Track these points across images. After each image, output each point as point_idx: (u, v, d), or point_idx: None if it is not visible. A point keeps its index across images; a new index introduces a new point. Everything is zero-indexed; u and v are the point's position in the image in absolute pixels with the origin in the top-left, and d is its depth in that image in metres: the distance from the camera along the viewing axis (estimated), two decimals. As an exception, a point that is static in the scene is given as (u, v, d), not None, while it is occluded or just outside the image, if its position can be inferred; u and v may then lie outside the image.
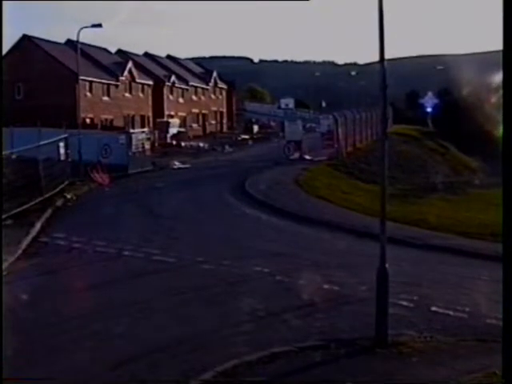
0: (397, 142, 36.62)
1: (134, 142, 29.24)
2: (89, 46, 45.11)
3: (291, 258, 12.55)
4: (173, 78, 56.68)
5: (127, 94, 48.91)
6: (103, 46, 52.56)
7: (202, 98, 63.35)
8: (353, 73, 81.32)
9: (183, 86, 58.97)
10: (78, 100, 32.67)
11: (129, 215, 17.84)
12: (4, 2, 7.93)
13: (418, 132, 48.41)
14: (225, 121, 67.72)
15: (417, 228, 15.75)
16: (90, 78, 42.89)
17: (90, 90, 43.35)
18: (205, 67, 70.90)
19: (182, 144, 44.62)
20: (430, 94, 51.27)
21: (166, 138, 45.86)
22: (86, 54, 42.33)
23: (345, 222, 16.36)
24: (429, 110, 50.02)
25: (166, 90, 55.17)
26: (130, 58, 51.67)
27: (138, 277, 11.28)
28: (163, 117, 52.41)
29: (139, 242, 13.90)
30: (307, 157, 31.63)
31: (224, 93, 68.73)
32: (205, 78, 65.20)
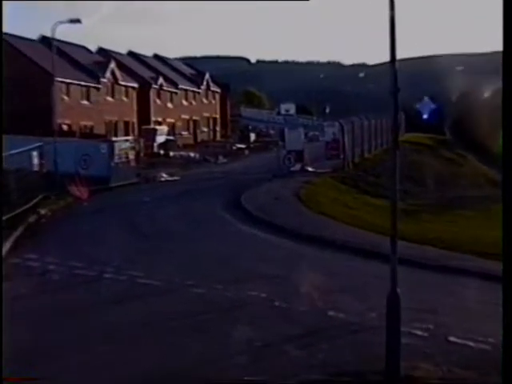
0: (409, 152, 36.74)
1: (116, 152, 29.30)
2: (66, 43, 45.34)
3: (291, 282, 12.53)
4: (160, 80, 56.95)
5: (109, 98, 49.08)
6: (82, 43, 52.92)
7: (193, 102, 63.63)
8: (361, 74, 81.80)
9: (172, 90, 59.23)
10: (54, 104, 32.71)
11: (111, 233, 17.83)
12: (4, 2, 8.14)
13: (432, 140, 48.60)
14: (218, 128, 67.96)
15: (431, 248, 15.75)
16: (67, 80, 43.02)
17: (68, 93, 43.46)
18: (196, 68, 71.26)
19: (171, 154, 44.72)
20: (426, 98, 51.23)
21: (152, 147, 45.99)
22: (62, 53, 42.49)
23: (351, 240, 16.37)
24: (425, 116, 49.12)
25: (152, 94, 55.40)
26: (113, 58, 51.95)
27: (120, 303, 11.24)
28: (149, 123, 52.58)
29: (122, 263, 13.88)
30: (310, 168, 31.75)
31: (217, 97, 69.06)
32: (196, 80, 65.54)
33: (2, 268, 11.59)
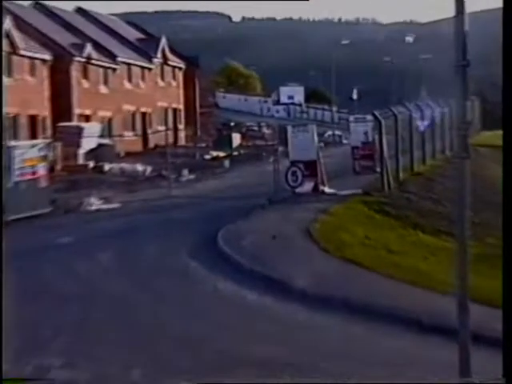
0: (488, 162, 36.82)
1: (16, 164, 29.22)
2: None
3: (302, 372, 12.50)
4: (88, 48, 57.15)
5: (4, 78, 49.12)
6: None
7: (142, 84, 63.88)
8: (408, 38, 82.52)
9: (107, 64, 59.45)
10: None
11: (5, 297, 17.71)
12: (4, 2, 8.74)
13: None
14: (182, 126, 68.16)
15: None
16: None
17: None
18: (146, 31, 71.61)
19: (106, 167, 44.72)
20: (423, 93, 50.03)
21: (76, 156, 45.93)
22: None
23: (396, 305, 16.34)
24: (421, 128, 44.46)
25: (75, 71, 55.52)
26: (9, 12, 51.96)
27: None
28: (71, 119, 52.61)
29: (26, 345, 13.79)
30: (327, 189, 31.71)
31: (180, 76, 69.46)
32: (146, 49, 65.85)
33: (2, 267, 13.83)
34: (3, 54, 48.41)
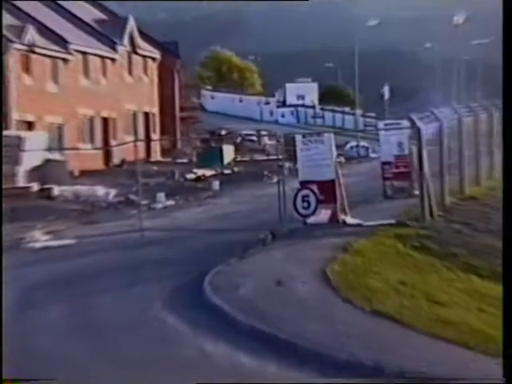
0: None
1: None
2: None
3: None
4: (30, 32, 57.11)
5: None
6: None
7: (103, 80, 63.93)
8: (456, 18, 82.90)
9: (56, 54, 59.42)
10: None
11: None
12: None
13: None
14: (156, 135, 68.10)
15: None
16: None
17: None
18: (109, 9, 71.67)
19: (55, 191, 44.66)
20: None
21: (14, 175, 45.90)
22: None
23: (444, 374, 16.31)
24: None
25: (13, 63, 55.52)
26: None
27: None
28: (7, 126, 52.60)
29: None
30: (349, 219, 31.72)
31: (154, 69, 69.38)
32: (108, 33, 65.84)
33: (2, 267, 17.29)
34: None
